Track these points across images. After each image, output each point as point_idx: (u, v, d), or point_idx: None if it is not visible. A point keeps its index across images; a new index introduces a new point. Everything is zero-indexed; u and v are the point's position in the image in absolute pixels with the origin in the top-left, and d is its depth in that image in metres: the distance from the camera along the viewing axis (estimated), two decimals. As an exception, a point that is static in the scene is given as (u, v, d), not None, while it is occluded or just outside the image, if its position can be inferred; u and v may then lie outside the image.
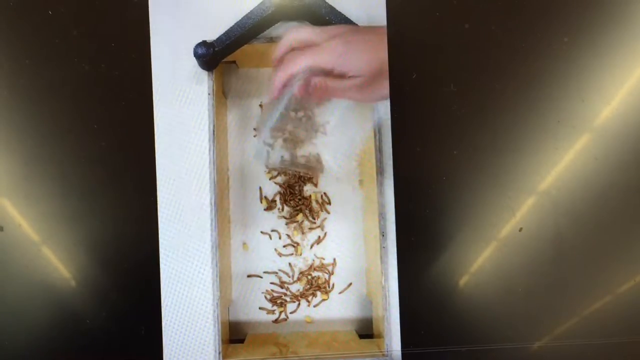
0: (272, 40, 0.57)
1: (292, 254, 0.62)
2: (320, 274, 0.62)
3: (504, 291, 0.61)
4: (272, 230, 0.62)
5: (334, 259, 0.62)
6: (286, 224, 0.62)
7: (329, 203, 0.62)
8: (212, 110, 0.56)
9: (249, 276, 0.61)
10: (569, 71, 0.62)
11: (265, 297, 0.62)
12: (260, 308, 0.61)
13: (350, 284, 0.62)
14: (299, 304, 0.61)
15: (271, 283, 0.62)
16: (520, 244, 0.61)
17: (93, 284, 0.60)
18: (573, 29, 0.62)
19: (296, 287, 0.62)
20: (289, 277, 0.62)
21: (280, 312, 0.61)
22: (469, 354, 0.60)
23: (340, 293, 0.62)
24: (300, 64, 0.50)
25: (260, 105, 0.62)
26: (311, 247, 0.62)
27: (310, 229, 0.62)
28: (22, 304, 0.60)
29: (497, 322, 0.61)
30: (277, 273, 0.62)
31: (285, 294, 0.62)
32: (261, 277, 0.61)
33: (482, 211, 0.61)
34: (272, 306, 0.61)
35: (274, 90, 0.52)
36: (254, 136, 0.62)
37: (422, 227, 0.61)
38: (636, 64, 0.62)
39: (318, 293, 0.62)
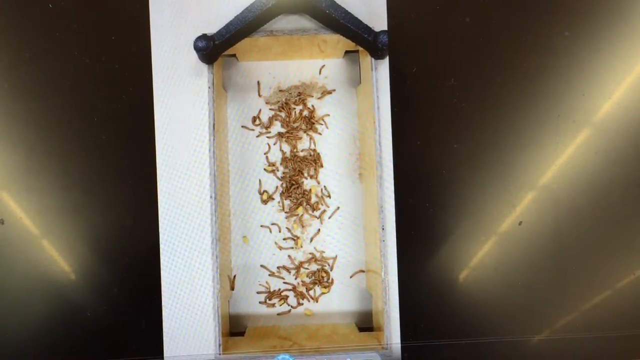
0: (273, 33, 0.57)
1: (292, 247, 0.62)
2: (320, 266, 0.62)
3: (504, 285, 0.61)
4: (272, 224, 0.62)
5: (336, 255, 0.62)
6: (286, 217, 0.62)
7: (329, 196, 0.62)
8: (212, 104, 0.56)
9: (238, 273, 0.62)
10: (569, 65, 0.62)
11: (264, 290, 0.62)
12: (260, 303, 0.61)
13: (362, 270, 0.62)
14: (298, 298, 0.62)
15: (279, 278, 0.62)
16: (520, 238, 0.62)
17: (94, 277, 0.60)
18: (574, 23, 0.62)
19: (296, 280, 0.62)
20: (288, 270, 0.62)
21: (281, 305, 0.62)
22: (468, 347, 0.60)
23: (351, 277, 0.62)
24: None
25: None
26: (311, 240, 0.62)
27: (316, 217, 0.62)
28: (23, 297, 0.60)
29: (496, 315, 0.61)
30: (276, 270, 0.62)
31: (286, 289, 0.62)
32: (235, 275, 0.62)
33: (482, 205, 0.61)
34: (271, 299, 0.61)
35: None
36: (245, 125, 0.62)
37: (422, 221, 0.61)
38: (637, 58, 0.62)
39: (318, 286, 0.62)
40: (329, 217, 0.62)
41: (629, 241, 0.62)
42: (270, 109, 0.63)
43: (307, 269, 0.62)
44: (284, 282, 0.62)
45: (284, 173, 0.62)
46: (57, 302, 0.60)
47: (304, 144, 0.63)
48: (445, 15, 0.61)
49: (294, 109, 0.62)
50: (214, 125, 0.56)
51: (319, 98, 0.63)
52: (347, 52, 0.62)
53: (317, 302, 0.61)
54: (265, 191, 0.62)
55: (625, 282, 0.62)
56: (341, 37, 0.57)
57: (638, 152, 0.62)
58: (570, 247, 0.61)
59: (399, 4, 0.61)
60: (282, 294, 0.62)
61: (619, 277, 0.62)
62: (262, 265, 0.62)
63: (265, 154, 0.63)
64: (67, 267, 0.60)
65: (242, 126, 0.62)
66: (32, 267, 0.60)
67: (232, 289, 0.61)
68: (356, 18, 0.55)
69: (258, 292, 0.62)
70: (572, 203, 0.62)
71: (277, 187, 0.62)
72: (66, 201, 0.60)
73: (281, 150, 0.63)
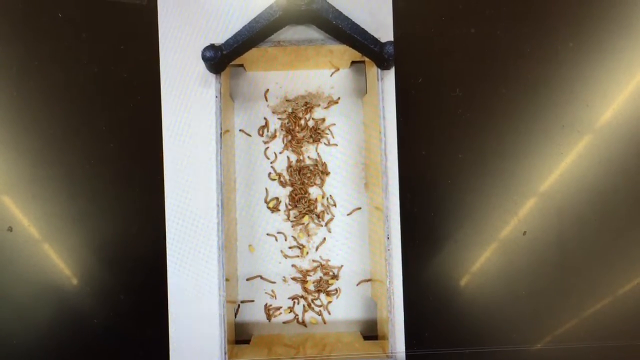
0: (280, 44, 0.58)
1: (298, 255, 0.62)
2: (325, 275, 0.62)
3: (508, 294, 0.62)
4: (278, 232, 0.62)
5: (341, 265, 0.62)
6: (292, 226, 0.62)
7: (335, 205, 0.63)
8: (220, 113, 0.56)
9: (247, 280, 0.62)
10: (573, 76, 0.62)
11: (269, 299, 0.62)
12: (266, 319, 0.62)
13: (369, 279, 0.62)
14: (304, 306, 0.62)
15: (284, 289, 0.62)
16: (524, 247, 0.62)
17: (100, 285, 0.60)
18: (578, 35, 0.62)
19: (303, 290, 0.62)
20: (295, 279, 0.62)
21: (288, 313, 0.62)
22: (472, 355, 0.60)
23: (358, 284, 0.62)
24: None
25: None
26: (316, 249, 0.62)
27: (322, 226, 0.62)
28: (30, 303, 0.60)
29: (500, 324, 0.61)
30: (282, 279, 0.62)
31: (292, 297, 0.62)
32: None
33: (486, 214, 0.62)
34: (273, 312, 0.62)
35: None
36: (243, 130, 0.63)
37: (426, 230, 0.61)
38: (640, 69, 0.63)
39: (323, 295, 0.62)
40: (348, 214, 0.62)
41: (632, 249, 0.62)
42: (277, 119, 0.63)
43: (311, 276, 0.62)
44: (300, 294, 0.62)
45: (290, 182, 0.63)
46: (63, 309, 0.60)
47: (310, 153, 0.63)
48: (450, 27, 0.62)
49: (301, 118, 0.63)
50: (221, 134, 0.56)
51: (325, 108, 0.63)
52: (353, 62, 0.62)
53: (329, 313, 0.62)
54: (273, 198, 0.63)
55: (628, 290, 0.62)
56: (348, 47, 0.58)
57: (641, 162, 0.63)
58: (574, 255, 0.62)
59: (405, 15, 0.61)
60: (287, 302, 0.62)
61: (622, 286, 0.62)
62: (250, 278, 0.62)
63: (271, 163, 0.63)
64: (73, 274, 0.60)
65: (240, 130, 0.63)
66: (38, 273, 0.60)
67: (235, 316, 0.61)
68: (363, 29, 0.55)
69: (267, 293, 0.62)
70: (576, 212, 0.62)
71: (283, 196, 0.63)
72: (73, 209, 0.60)
73: (288, 159, 0.63)
